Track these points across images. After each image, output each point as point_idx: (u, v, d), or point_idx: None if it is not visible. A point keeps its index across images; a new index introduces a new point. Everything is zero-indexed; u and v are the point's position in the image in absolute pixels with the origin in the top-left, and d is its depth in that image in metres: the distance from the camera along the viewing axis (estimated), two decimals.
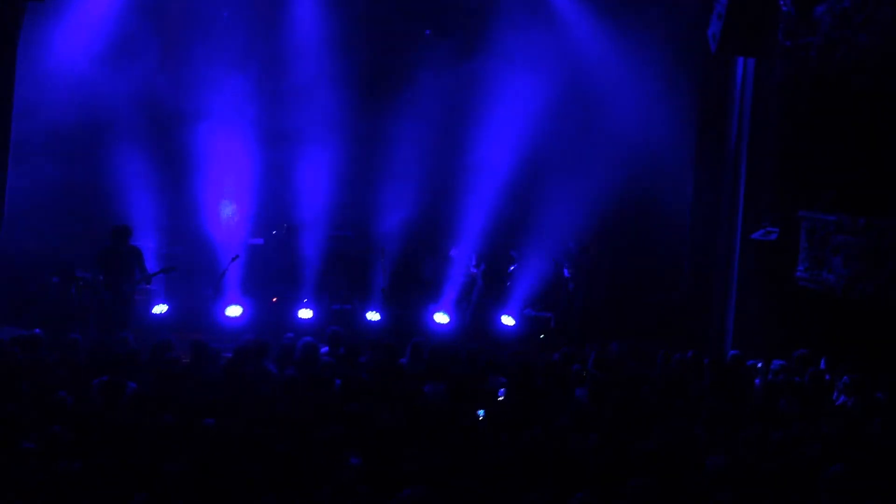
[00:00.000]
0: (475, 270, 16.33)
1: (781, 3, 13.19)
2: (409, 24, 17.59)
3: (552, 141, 16.96)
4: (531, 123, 16.73)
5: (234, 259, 15.07)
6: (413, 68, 17.25)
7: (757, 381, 11.04)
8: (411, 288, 17.07)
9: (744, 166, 14.83)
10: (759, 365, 11.68)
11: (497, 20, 17.12)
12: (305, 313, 15.46)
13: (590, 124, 16.44)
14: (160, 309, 15.01)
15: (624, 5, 16.47)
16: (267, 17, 17.39)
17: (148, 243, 15.80)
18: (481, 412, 9.23)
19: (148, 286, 14.80)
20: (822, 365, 11.35)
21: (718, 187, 15.44)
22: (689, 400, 10.24)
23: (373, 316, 15.64)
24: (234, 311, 15.17)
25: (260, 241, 16.62)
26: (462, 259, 16.83)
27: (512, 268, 16.73)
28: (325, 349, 11.35)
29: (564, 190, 16.29)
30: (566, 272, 16.71)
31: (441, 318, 15.84)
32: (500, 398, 10.16)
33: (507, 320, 16.07)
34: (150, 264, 14.04)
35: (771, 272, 13.91)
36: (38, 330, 10.85)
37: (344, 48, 17.01)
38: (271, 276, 16.34)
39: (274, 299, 16.15)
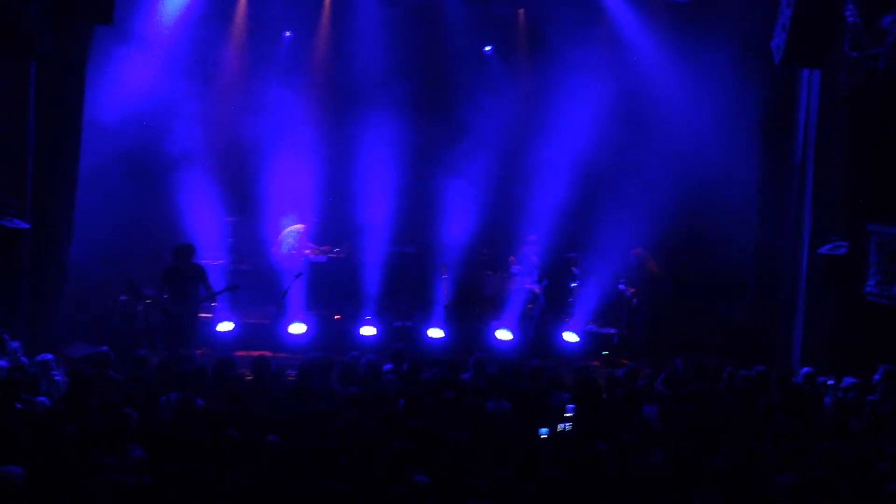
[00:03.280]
0: (537, 286, 16.27)
1: (847, 13, 12.97)
2: (469, 42, 17.63)
3: (614, 156, 16.90)
4: (592, 139, 16.66)
5: (297, 277, 15.18)
6: (473, 85, 17.33)
7: (827, 398, 10.85)
8: (473, 304, 17.07)
9: (810, 179, 14.59)
10: (830, 382, 11.47)
11: (557, 36, 17.11)
12: (368, 330, 15.51)
13: (652, 139, 16.34)
14: (225, 326, 15.17)
15: (686, 19, 16.37)
16: (327, 38, 17.59)
17: (213, 262, 16.03)
18: (545, 430, 9.17)
19: (213, 304, 14.99)
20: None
21: (785, 201, 15.21)
22: (757, 417, 10.10)
23: (435, 333, 15.64)
24: (297, 328, 15.27)
25: (322, 258, 16.73)
26: (524, 275, 16.81)
27: (574, 284, 16.64)
28: (388, 366, 11.39)
29: (627, 205, 16.19)
30: (622, 287, 16.60)
31: (503, 334, 15.80)
32: (569, 414, 10.10)
33: (570, 336, 15.96)
34: (215, 282, 14.21)
35: (840, 287, 13.65)
36: (105, 347, 11.01)
37: (404, 66, 17.11)
38: (334, 294, 16.43)
39: (337, 317, 16.24)
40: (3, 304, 12.49)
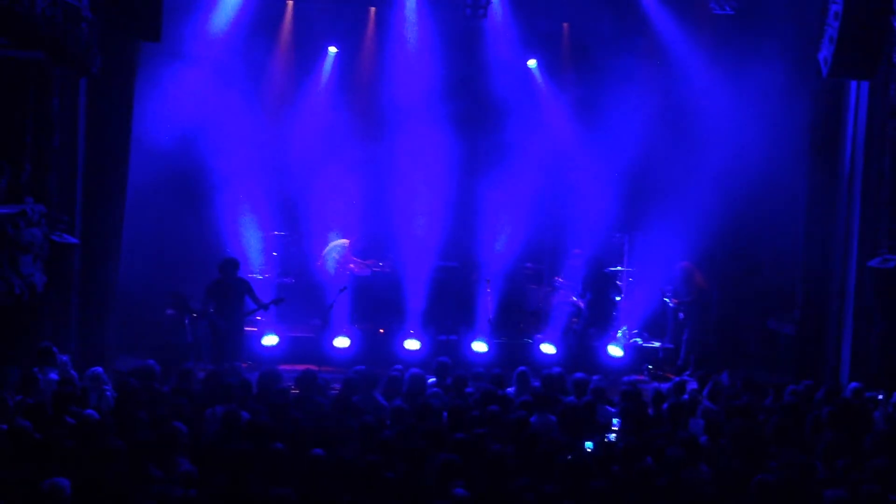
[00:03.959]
0: (580, 300, 16.21)
1: (895, 24, 12.83)
2: (513, 56, 17.66)
3: (660, 169, 16.82)
4: (638, 152, 16.60)
5: (341, 291, 15.25)
6: (517, 100, 17.35)
7: (877, 413, 10.69)
8: (517, 318, 17.04)
9: (858, 191, 14.42)
10: (880, 397, 11.31)
11: (601, 50, 17.11)
12: (412, 344, 15.53)
13: (698, 152, 16.21)
14: (270, 340, 15.27)
15: (732, 31, 16.27)
16: (372, 52, 17.71)
17: (259, 276, 16.17)
18: (590, 444, 9.13)
19: (259, 318, 15.11)
20: None
21: (833, 213, 15.03)
22: (805, 432, 9.99)
23: (479, 346, 15.63)
24: (341, 342, 15.33)
25: (367, 272, 16.80)
26: (567, 288, 16.75)
27: (618, 297, 16.55)
28: (432, 380, 11.40)
29: (673, 218, 16.09)
30: (667, 300, 16.51)
31: (547, 348, 15.75)
32: (615, 428, 10.05)
33: (615, 350, 15.88)
34: (261, 296, 14.31)
35: (889, 301, 13.44)
36: (152, 361, 11.13)
37: (448, 81, 17.17)
38: (378, 308, 16.48)
39: (381, 330, 16.29)
40: (53, 319, 12.66)
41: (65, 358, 11.34)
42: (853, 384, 11.62)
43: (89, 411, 9.59)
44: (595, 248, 16.74)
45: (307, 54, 17.64)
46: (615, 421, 10.29)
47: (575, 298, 16.40)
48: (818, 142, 15.28)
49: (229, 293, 13.72)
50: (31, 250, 11.80)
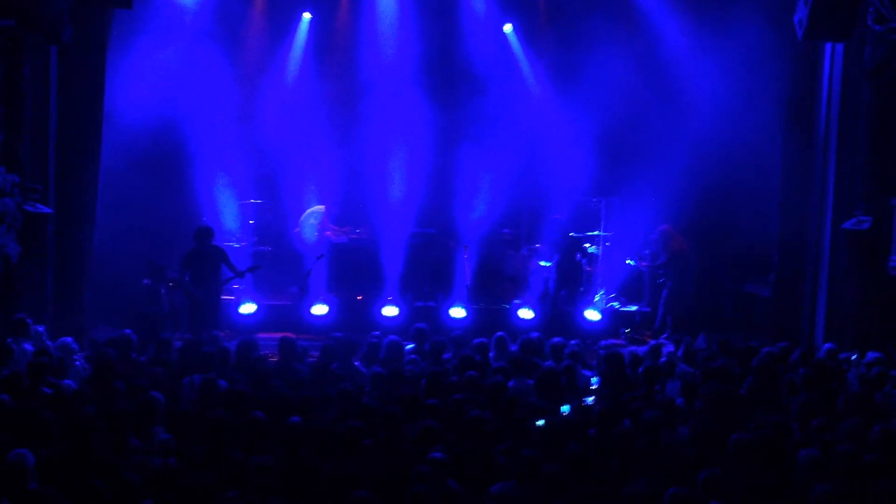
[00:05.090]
0: (549, 263, 16.17)
1: None
2: (489, 21, 17.57)
3: (638, 132, 16.81)
4: (615, 116, 16.58)
5: (319, 258, 15.21)
6: (493, 65, 17.28)
7: (851, 373, 10.81)
8: (495, 284, 17.07)
9: (833, 154, 14.50)
10: (854, 357, 11.43)
11: (578, 14, 17.01)
12: (390, 311, 15.54)
13: (676, 115, 16.22)
14: (248, 308, 15.25)
15: None
16: (347, 18, 17.56)
17: (235, 244, 16.10)
18: (566, 408, 9.19)
19: (235, 286, 15.06)
20: None
21: (808, 176, 15.12)
22: (781, 393, 10.08)
23: (457, 312, 15.65)
24: (320, 309, 15.32)
25: (344, 239, 16.76)
26: (543, 254, 16.77)
27: (584, 259, 16.37)
28: (410, 346, 11.43)
29: (651, 182, 16.12)
30: (638, 262, 16.59)
31: (525, 313, 15.79)
32: (594, 387, 10.11)
33: (592, 314, 15.95)
34: (237, 264, 14.25)
35: (863, 262, 13.56)
36: (129, 331, 11.10)
37: (424, 47, 17.05)
38: (356, 275, 16.46)
39: (359, 297, 16.29)
40: (28, 289, 12.60)
41: (40, 328, 11.29)
42: (827, 345, 11.75)
43: (67, 382, 9.58)
44: (574, 212, 16.77)
45: (282, 20, 17.44)
46: (594, 381, 10.35)
47: (542, 263, 16.43)
48: (794, 104, 15.33)
49: (205, 262, 13.65)
50: (5, 220, 11.73)
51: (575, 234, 16.45)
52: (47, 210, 12.89)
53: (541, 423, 8.32)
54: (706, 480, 6.94)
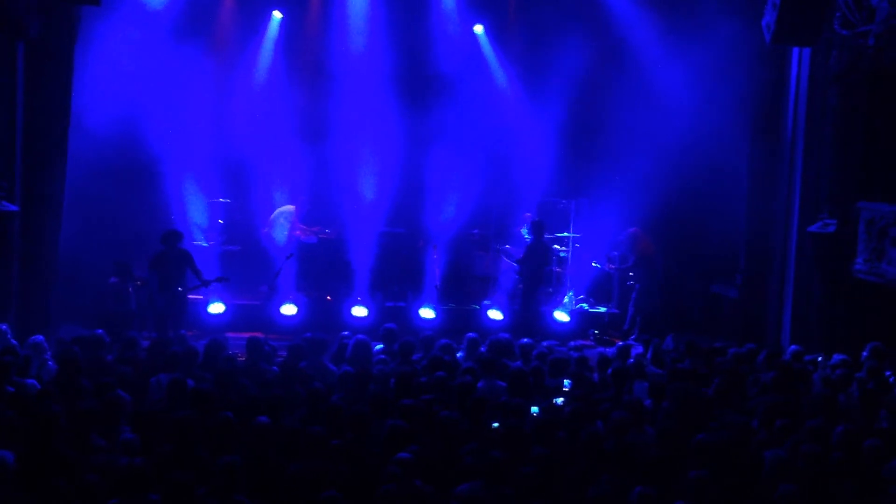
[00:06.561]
0: (514, 263, 16.15)
1: None
2: (459, 21, 17.59)
3: (605, 134, 16.85)
4: (584, 117, 16.66)
5: (288, 258, 15.16)
6: (464, 65, 17.30)
7: (816, 375, 10.90)
8: (464, 284, 17.06)
9: (800, 157, 14.63)
10: (819, 359, 11.53)
11: (548, 15, 17.06)
12: (360, 311, 15.50)
13: (644, 118, 16.30)
14: (217, 308, 15.17)
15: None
16: (316, 17, 17.52)
17: (204, 244, 16.01)
18: (535, 409, 9.20)
19: (200, 297, 14.99)
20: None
21: (774, 179, 15.25)
22: (747, 394, 10.16)
23: (426, 313, 15.65)
24: (289, 309, 15.27)
25: (313, 239, 16.71)
26: (512, 254, 16.78)
27: (547, 261, 16.31)
28: (379, 346, 11.41)
29: (619, 184, 16.21)
30: (605, 265, 16.65)
31: (495, 314, 15.81)
32: (566, 389, 10.13)
33: (561, 315, 15.99)
34: (206, 265, 14.16)
35: (829, 265, 13.70)
36: (100, 330, 11.01)
37: (395, 46, 17.04)
38: (325, 275, 16.42)
39: (328, 297, 16.24)
40: None
41: (4, 327, 11.17)
42: (793, 347, 11.85)
43: (30, 381, 9.48)
44: (542, 214, 16.81)
45: (252, 19, 17.36)
46: (566, 382, 10.36)
47: (507, 259, 16.45)
48: (761, 107, 15.47)
49: (172, 265, 13.58)
50: None
51: (550, 237, 16.48)
52: (13, 208, 12.77)
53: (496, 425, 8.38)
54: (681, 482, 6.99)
